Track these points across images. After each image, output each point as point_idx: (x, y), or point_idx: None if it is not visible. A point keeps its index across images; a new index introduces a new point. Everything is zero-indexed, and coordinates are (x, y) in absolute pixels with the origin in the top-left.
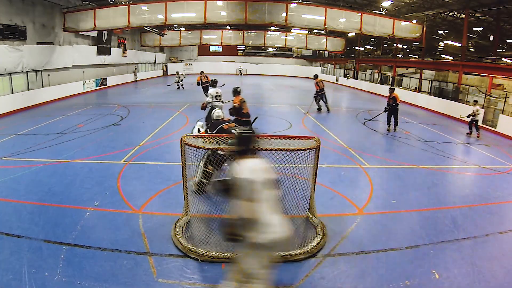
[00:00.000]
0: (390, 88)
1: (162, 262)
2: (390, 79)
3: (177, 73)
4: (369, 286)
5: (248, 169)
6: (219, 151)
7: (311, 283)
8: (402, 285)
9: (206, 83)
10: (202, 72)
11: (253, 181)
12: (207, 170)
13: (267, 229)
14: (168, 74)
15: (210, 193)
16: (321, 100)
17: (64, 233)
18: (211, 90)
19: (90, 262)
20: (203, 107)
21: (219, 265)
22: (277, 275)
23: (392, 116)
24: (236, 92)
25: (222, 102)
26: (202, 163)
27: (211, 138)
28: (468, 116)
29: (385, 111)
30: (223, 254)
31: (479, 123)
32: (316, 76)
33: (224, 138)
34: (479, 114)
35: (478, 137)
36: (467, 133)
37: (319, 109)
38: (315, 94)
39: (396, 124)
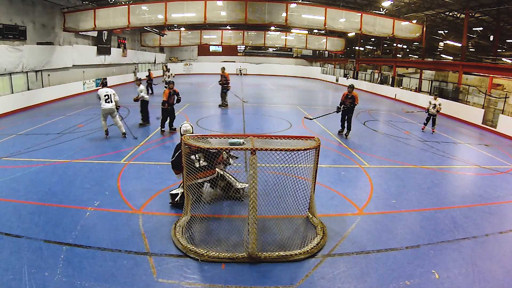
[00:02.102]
0: (349, 86)
1: (162, 262)
2: (390, 79)
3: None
4: (369, 286)
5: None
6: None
7: (311, 283)
8: (402, 285)
9: (151, 81)
10: (149, 70)
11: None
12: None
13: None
14: None
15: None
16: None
17: (64, 233)
18: (142, 87)
19: (90, 262)
20: (136, 100)
21: (219, 265)
22: (277, 275)
23: (346, 119)
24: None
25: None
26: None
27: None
28: (427, 111)
29: (337, 111)
30: (223, 254)
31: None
32: (224, 69)
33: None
34: (441, 108)
35: (433, 132)
36: (422, 128)
37: (226, 105)
38: (224, 89)
39: (349, 129)
